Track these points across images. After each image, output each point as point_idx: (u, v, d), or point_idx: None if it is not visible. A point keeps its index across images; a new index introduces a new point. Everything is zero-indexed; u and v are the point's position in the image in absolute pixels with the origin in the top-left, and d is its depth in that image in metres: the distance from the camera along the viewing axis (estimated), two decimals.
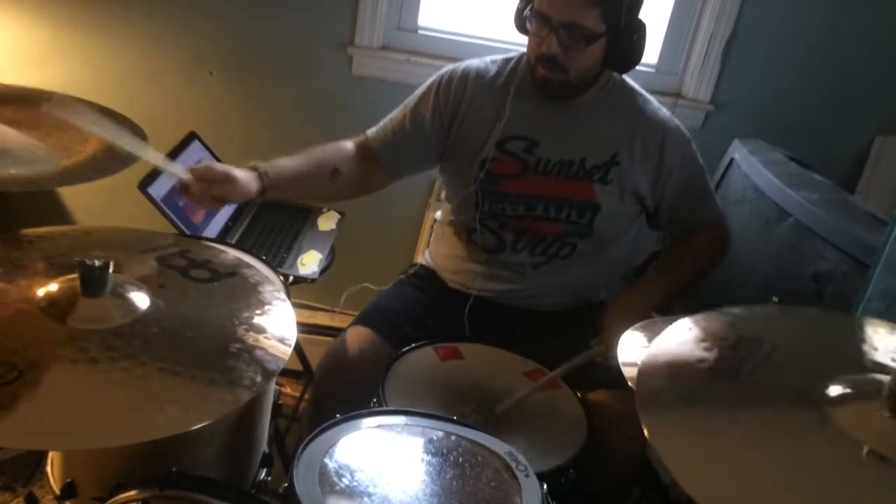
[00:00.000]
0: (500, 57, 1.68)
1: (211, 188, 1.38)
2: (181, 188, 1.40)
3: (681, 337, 1.06)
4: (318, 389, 1.55)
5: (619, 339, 1.29)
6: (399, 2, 2.32)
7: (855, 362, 1.01)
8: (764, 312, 1.16)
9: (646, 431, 0.88)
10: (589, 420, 1.39)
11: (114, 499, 1.03)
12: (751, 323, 1.11)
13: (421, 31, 2.36)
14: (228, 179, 1.40)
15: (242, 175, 1.43)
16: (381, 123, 1.69)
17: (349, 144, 1.66)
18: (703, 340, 1.05)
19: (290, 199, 1.65)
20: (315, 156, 1.59)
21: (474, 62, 1.68)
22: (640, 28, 1.52)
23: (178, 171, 1.38)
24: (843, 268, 1.57)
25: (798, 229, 1.70)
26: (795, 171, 1.92)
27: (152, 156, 1.33)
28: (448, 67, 1.68)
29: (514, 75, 1.63)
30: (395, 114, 1.69)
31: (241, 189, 1.42)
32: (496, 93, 1.62)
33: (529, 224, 1.62)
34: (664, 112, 1.65)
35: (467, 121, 1.63)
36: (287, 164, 1.53)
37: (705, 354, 1.02)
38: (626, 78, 1.65)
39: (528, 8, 1.52)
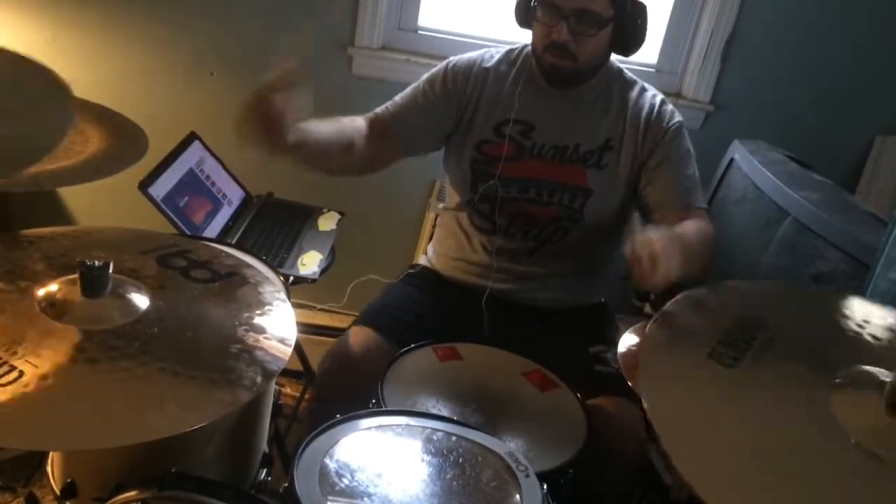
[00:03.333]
0: (502, 49, 1.71)
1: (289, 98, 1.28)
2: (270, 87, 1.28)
3: (684, 314, 1.06)
4: (321, 388, 1.56)
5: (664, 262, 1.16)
6: (399, 2, 2.32)
7: (858, 352, 1.01)
8: (768, 291, 1.17)
9: (645, 405, 0.89)
10: (589, 420, 1.39)
11: (114, 499, 1.03)
12: (756, 300, 1.11)
13: (421, 32, 2.36)
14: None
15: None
16: (391, 102, 1.69)
17: (360, 119, 1.65)
18: (707, 317, 1.05)
19: (307, 159, 1.56)
20: (335, 124, 1.58)
21: (483, 55, 1.70)
22: (642, 11, 1.56)
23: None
24: (843, 268, 1.56)
25: (798, 229, 1.70)
26: (795, 171, 1.92)
27: None
28: (454, 57, 1.71)
29: (522, 67, 1.66)
30: (405, 92, 1.71)
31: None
32: (505, 83, 1.66)
33: (522, 207, 1.64)
34: (660, 97, 1.67)
35: (479, 111, 1.66)
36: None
37: (709, 333, 1.02)
38: (623, 69, 1.68)
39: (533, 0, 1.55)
